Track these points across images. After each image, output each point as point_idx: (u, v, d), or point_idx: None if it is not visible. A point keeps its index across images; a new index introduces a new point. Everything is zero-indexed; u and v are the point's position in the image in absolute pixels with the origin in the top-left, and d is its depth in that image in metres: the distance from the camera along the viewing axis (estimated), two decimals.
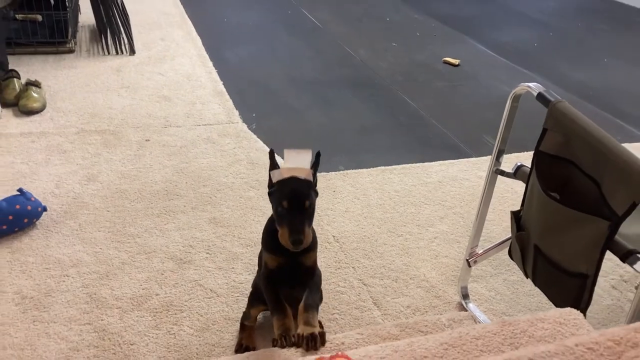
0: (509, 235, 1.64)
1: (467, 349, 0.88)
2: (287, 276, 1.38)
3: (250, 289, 1.62)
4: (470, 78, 3.68)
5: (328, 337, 1.24)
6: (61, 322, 1.60)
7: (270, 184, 1.31)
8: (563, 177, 1.33)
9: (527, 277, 1.48)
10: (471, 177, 2.48)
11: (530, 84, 1.45)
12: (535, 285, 1.45)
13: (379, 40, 4.31)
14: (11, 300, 1.66)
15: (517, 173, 1.54)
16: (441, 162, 2.60)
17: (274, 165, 1.30)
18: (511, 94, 1.50)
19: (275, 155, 1.33)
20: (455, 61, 3.86)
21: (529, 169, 1.47)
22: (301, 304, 1.30)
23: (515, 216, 1.48)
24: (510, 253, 1.56)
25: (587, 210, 1.24)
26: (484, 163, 2.61)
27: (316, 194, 1.32)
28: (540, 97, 1.40)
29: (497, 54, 4.10)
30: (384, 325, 1.33)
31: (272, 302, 1.34)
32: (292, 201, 1.24)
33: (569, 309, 1.00)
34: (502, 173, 1.59)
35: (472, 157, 2.68)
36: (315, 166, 1.31)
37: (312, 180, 1.29)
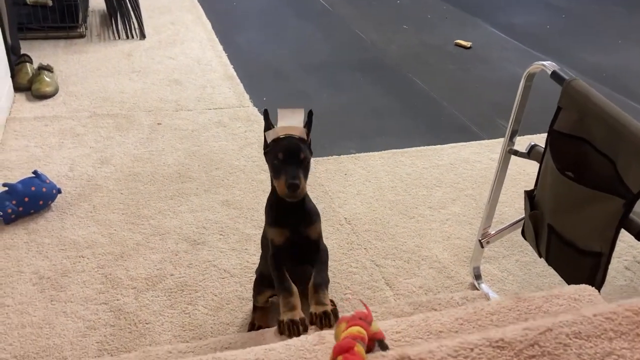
0: (522, 216, 1.64)
1: (482, 324, 0.88)
2: (293, 252, 1.35)
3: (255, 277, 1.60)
4: (482, 61, 3.65)
5: (341, 315, 1.25)
6: (78, 301, 1.63)
7: (266, 145, 1.31)
8: (577, 155, 1.32)
9: (540, 256, 1.48)
10: (483, 160, 2.48)
11: (545, 63, 1.43)
12: (549, 264, 1.46)
13: (390, 22, 4.28)
14: (29, 280, 1.69)
15: (531, 153, 1.53)
16: (453, 144, 2.59)
17: (268, 126, 1.30)
18: (525, 73, 1.49)
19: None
20: (467, 44, 3.83)
21: (542, 149, 1.47)
22: (311, 284, 1.27)
23: (529, 195, 1.47)
24: (523, 233, 1.56)
25: (601, 188, 1.23)
26: (496, 145, 2.59)
27: (310, 152, 1.31)
28: (554, 75, 1.39)
29: (509, 37, 4.06)
30: (397, 303, 1.33)
31: (279, 280, 1.30)
32: (288, 153, 1.24)
33: (583, 285, 1.00)
34: (516, 153, 1.58)
35: (484, 139, 2.67)
36: (308, 125, 1.30)
37: (306, 138, 1.29)
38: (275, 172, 1.28)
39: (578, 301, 0.95)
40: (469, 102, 3.07)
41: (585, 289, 0.98)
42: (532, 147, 1.54)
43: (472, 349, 0.68)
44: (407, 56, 3.66)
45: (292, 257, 1.36)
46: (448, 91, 3.18)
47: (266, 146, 1.32)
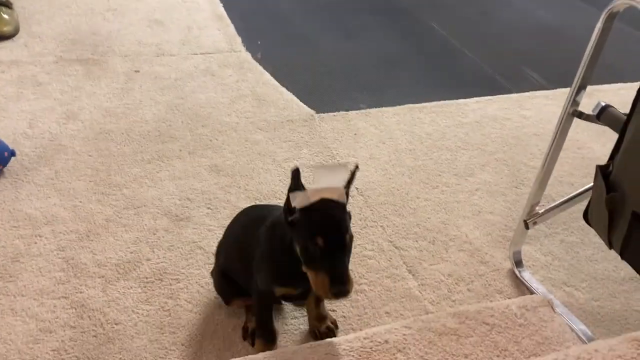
0: (580, 190, 1.33)
1: None
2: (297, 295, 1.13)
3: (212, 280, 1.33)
4: (504, 2, 3.25)
5: (368, 332, 0.96)
6: (31, 295, 1.32)
7: (289, 209, 0.97)
8: None
9: (610, 248, 1.18)
10: (513, 117, 2.14)
11: None
12: (623, 259, 1.15)
13: None
14: None
15: (602, 116, 1.20)
16: (477, 98, 2.24)
17: (297, 186, 0.95)
18: (605, 12, 1.15)
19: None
20: None
21: (619, 113, 1.14)
22: (313, 297, 1.12)
23: (603, 172, 1.15)
24: (586, 216, 1.24)
25: None
26: (526, 100, 2.25)
27: (349, 217, 0.99)
28: None
29: None
30: (437, 315, 1.04)
31: (261, 322, 1.16)
32: (331, 237, 0.91)
33: None
34: (581, 115, 1.26)
35: (512, 92, 2.32)
36: (349, 184, 0.98)
37: (346, 202, 0.97)
38: (310, 261, 0.94)
39: None
40: (492, 49, 2.71)
41: None
42: (604, 109, 1.20)
43: None
44: None
45: (294, 297, 1.18)
46: (468, 37, 2.80)
47: (290, 212, 0.96)
